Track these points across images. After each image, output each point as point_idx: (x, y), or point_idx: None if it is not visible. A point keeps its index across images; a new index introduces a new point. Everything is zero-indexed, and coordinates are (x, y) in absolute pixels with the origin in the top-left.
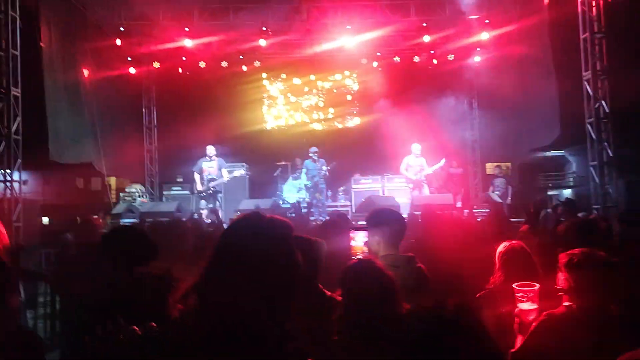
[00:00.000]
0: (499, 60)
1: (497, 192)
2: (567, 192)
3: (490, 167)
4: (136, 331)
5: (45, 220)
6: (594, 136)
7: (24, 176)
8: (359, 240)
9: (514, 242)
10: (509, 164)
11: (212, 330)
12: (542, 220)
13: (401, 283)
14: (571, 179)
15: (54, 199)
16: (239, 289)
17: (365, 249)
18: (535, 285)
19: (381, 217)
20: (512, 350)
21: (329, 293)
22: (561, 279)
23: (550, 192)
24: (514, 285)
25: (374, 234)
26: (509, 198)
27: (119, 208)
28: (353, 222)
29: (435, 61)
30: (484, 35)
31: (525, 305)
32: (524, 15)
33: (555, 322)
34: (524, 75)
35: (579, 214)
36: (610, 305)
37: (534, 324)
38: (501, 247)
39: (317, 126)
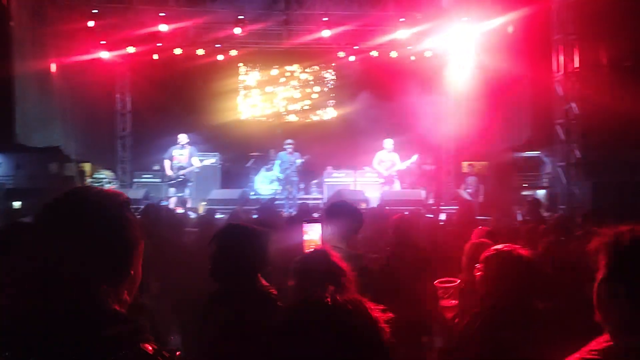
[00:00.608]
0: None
1: (468, 190)
2: (541, 192)
3: (465, 166)
4: None
5: (17, 204)
6: (562, 137)
7: None
8: (314, 234)
9: (481, 240)
10: (484, 162)
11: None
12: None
13: None
14: (545, 180)
15: (25, 183)
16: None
17: (319, 242)
18: (456, 282)
19: (336, 210)
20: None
21: (266, 284)
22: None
23: (524, 192)
24: (435, 283)
25: (327, 226)
26: (481, 196)
27: None
28: (317, 215)
29: (413, 57)
30: (462, 33)
31: (445, 302)
32: (499, 14)
33: (479, 321)
34: (500, 76)
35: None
36: (531, 301)
37: (456, 321)
38: (468, 245)
39: (293, 118)
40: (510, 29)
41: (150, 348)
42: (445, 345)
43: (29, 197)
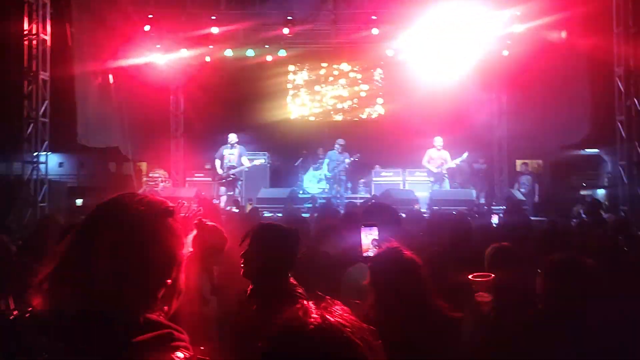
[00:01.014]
0: (529, 55)
1: (522, 190)
2: (600, 192)
3: (519, 164)
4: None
5: (79, 202)
6: (624, 134)
7: (59, 159)
8: (371, 237)
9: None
10: (540, 161)
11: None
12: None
13: None
14: (605, 179)
15: (87, 181)
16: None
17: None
18: (490, 276)
19: (374, 212)
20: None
21: (294, 283)
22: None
23: (583, 192)
24: (469, 277)
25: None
26: (536, 196)
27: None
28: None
29: (464, 54)
30: (516, 28)
31: (480, 297)
32: (557, 9)
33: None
34: (554, 71)
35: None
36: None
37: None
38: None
39: (341, 117)
40: (563, 34)
41: (182, 356)
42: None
43: (90, 195)
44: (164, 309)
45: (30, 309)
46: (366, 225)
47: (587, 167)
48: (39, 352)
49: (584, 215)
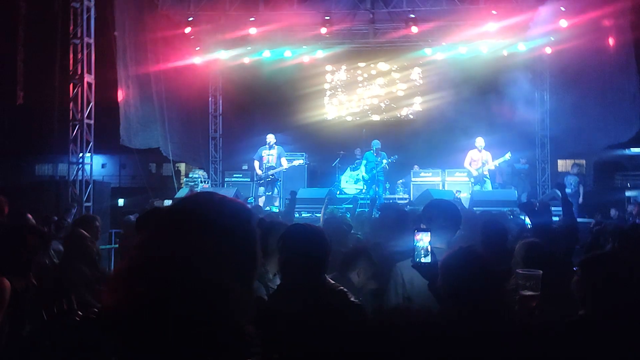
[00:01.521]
0: (574, 51)
1: (567, 190)
2: None
3: (562, 164)
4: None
5: (121, 202)
6: None
7: (103, 160)
8: (425, 241)
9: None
10: (583, 161)
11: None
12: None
13: None
14: None
15: (128, 182)
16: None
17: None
18: (539, 272)
19: (433, 209)
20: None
21: (333, 282)
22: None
23: (628, 193)
24: (517, 271)
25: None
26: (580, 198)
27: (181, 192)
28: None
29: (504, 53)
30: (562, 23)
31: (527, 292)
32: (603, 3)
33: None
34: (601, 67)
35: None
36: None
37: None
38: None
39: (378, 117)
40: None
41: None
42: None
43: (132, 195)
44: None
45: (95, 309)
46: (419, 230)
47: (632, 167)
48: (108, 355)
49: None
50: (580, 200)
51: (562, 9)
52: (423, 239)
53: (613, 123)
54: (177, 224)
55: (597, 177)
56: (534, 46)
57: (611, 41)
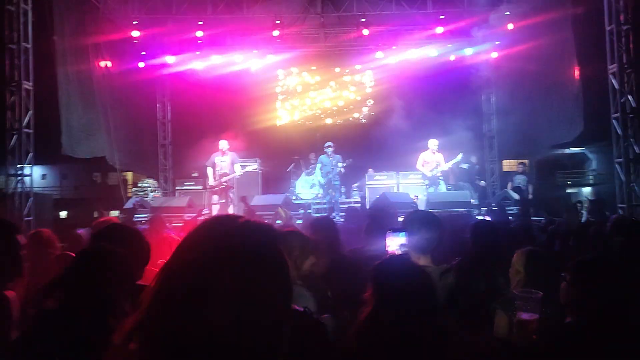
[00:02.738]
0: (518, 54)
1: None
2: (586, 190)
3: (507, 164)
4: None
5: (63, 214)
6: (619, 132)
7: (42, 171)
8: (397, 243)
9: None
10: (526, 160)
11: None
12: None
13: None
14: (591, 177)
15: (71, 193)
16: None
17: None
18: (539, 293)
19: (415, 220)
20: None
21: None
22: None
23: (569, 190)
24: (514, 292)
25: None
26: (530, 195)
27: (130, 202)
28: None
29: (452, 57)
30: (509, 26)
31: (525, 315)
32: (546, 7)
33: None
34: (545, 70)
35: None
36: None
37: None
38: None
39: (331, 120)
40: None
41: None
42: None
43: (75, 207)
44: None
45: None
46: (394, 231)
47: (572, 166)
48: None
49: (588, 215)
50: (530, 197)
51: (507, 13)
52: (395, 239)
53: (557, 123)
54: (204, 261)
55: (540, 175)
56: (481, 50)
57: (553, 44)
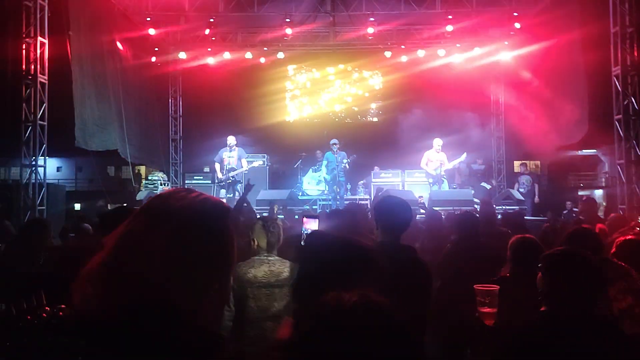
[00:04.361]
0: (527, 56)
1: (521, 190)
2: (598, 193)
3: (517, 165)
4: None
5: (77, 206)
6: (622, 134)
7: (58, 163)
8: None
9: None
10: (538, 162)
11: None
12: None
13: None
14: (603, 179)
15: (85, 185)
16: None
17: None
18: (496, 288)
19: (384, 206)
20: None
21: None
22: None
23: (581, 192)
24: (475, 287)
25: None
26: (536, 197)
27: (141, 195)
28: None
29: (460, 56)
30: (516, 25)
31: (485, 309)
32: (554, 8)
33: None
34: (553, 71)
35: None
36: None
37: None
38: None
39: (339, 118)
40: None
41: None
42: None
43: (89, 199)
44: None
45: (62, 307)
46: (308, 217)
47: (584, 168)
48: (74, 354)
49: (580, 216)
50: (537, 199)
51: (515, 14)
52: (311, 225)
53: (565, 124)
54: (153, 220)
55: (551, 177)
56: (489, 50)
57: (562, 46)
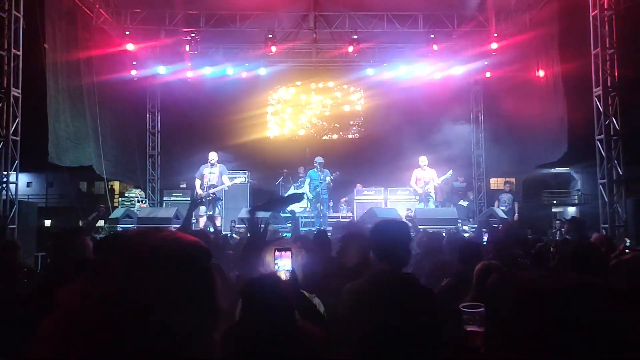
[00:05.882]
0: (507, 76)
1: (502, 208)
2: (571, 210)
3: (494, 182)
4: None
5: (48, 223)
6: (603, 153)
7: (28, 178)
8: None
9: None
10: (513, 179)
11: None
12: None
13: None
14: (576, 197)
15: (56, 201)
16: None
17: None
18: (482, 308)
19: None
20: None
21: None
22: None
23: (554, 209)
24: (460, 307)
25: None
26: (516, 214)
27: (117, 213)
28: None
29: (441, 75)
30: (493, 45)
31: (471, 328)
32: (533, 28)
33: None
34: (532, 91)
35: (594, 234)
36: None
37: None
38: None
39: (322, 135)
40: (541, 73)
41: None
42: None
43: (60, 215)
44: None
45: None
46: (280, 250)
47: (557, 185)
48: None
49: (566, 235)
50: (516, 217)
51: (495, 34)
52: (283, 260)
53: (543, 144)
54: (130, 262)
55: (526, 194)
56: (470, 69)
57: (541, 69)
